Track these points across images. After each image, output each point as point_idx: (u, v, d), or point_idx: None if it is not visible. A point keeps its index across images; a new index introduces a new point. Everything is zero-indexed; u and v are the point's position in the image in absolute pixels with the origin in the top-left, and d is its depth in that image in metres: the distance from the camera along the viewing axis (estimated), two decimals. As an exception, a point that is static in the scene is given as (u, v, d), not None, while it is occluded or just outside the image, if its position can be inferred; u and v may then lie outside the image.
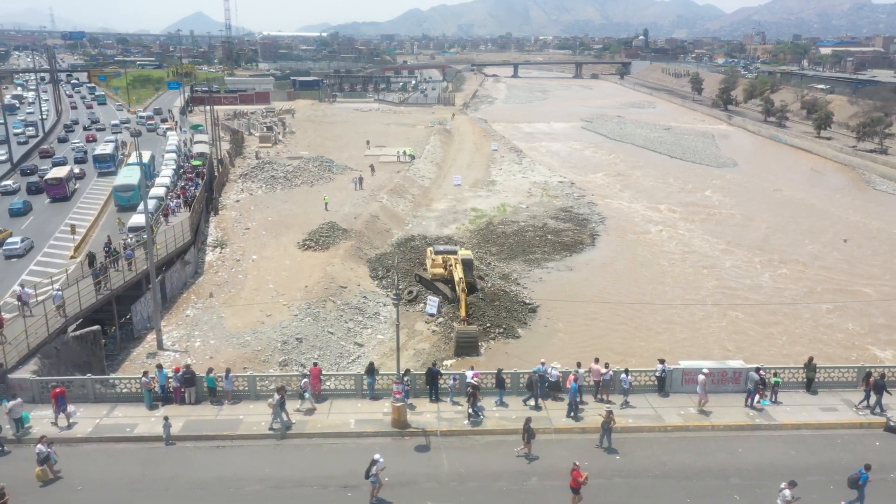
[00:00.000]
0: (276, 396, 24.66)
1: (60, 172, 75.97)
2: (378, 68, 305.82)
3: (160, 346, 39.08)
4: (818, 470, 22.20)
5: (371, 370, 27.27)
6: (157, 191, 68.12)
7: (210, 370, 27.02)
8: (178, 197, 61.82)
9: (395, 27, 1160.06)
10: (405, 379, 25.84)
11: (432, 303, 47.33)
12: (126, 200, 67.87)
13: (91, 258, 41.66)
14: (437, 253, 50.95)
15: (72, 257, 53.72)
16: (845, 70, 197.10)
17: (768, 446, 23.71)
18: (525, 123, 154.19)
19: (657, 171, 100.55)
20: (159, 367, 27.19)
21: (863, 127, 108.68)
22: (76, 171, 79.49)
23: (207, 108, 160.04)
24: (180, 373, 26.36)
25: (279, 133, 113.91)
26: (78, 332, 33.05)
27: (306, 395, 26.62)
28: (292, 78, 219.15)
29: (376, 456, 20.79)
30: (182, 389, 26.23)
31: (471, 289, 49.39)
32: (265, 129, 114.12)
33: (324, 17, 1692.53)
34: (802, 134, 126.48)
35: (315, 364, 27.86)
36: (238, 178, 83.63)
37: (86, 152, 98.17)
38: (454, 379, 27.42)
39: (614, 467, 22.66)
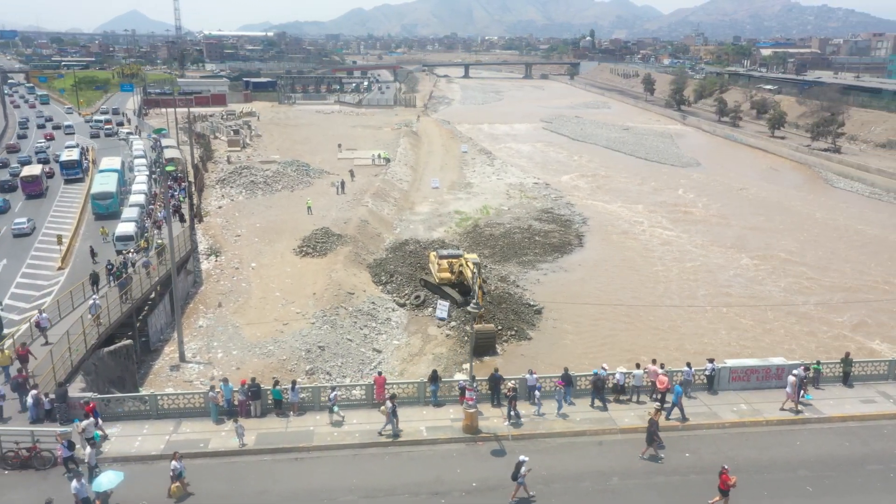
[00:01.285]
0: (389, 404, 25.00)
1: (35, 170, 74.93)
2: (329, 69, 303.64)
3: (182, 358, 38.65)
4: (875, 459, 23.71)
5: (434, 377, 27.70)
6: (136, 198, 66.80)
7: (276, 382, 27.03)
8: (166, 206, 60.49)
9: (338, 27, 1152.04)
10: (475, 385, 26.39)
11: (443, 307, 47.65)
12: (104, 209, 66.49)
13: (94, 278, 40.32)
14: (441, 257, 51.38)
15: (59, 268, 52.47)
16: (787, 71, 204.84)
17: (822, 439, 25.18)
18: (487, 124, 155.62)
19: (626, 171, 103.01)
20: (225, 380, 27.03)
21: (817, 127, 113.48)
22: (46, 169, 78.25)
23: (164, 110, 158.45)
24: (246, 386, 26.30)
25: (246, 136, 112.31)
26: (112, 347, 32.49)
27: (335, 408, 26.75)
28: (245, 79, 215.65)
29: (522, 457, 21.43)
30: (248, 402, 26.17)
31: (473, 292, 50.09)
32: (232, 132, 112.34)
33: (264, 17, 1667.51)
34: (757, 133, 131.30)
35: (379, 373, 28.13)
36: (216, 183, 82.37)
37: (46, 151, 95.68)
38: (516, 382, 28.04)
39: (687, 465, 23.73)
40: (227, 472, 22.73)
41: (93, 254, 53.88)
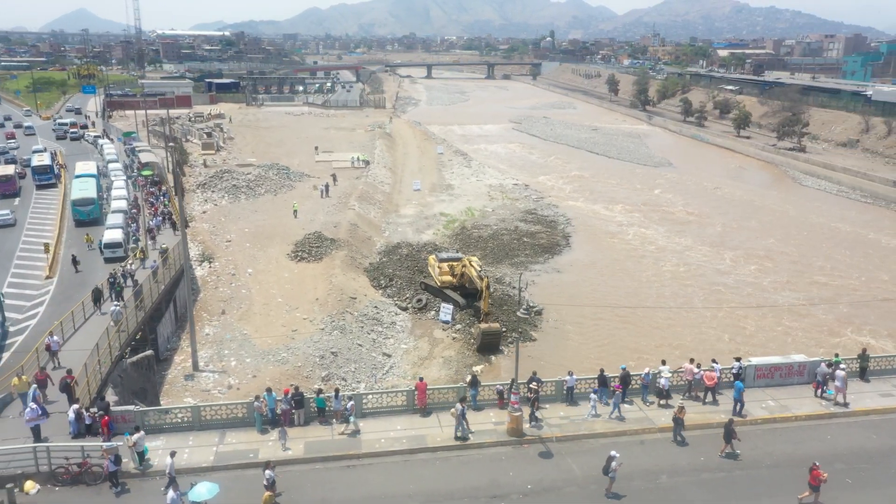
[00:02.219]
0: (459, 407, 25.25)
1: (9, 170, 73.68)
2: (290, 69, 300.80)
3: (196, 367, 38.32)
4: (905, 451, 24.96)
5: (475, 382, 28.07)
6: (118, 204, 65.65)
7: (319, 391, 27.07)
8: (157, 215, 59.73)
9: (294, 26, 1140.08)
10: (529, 388, 26.86)
11: (446, 310, 48.17)
12: (86, 215, 65.16)
13: (97, 295, 39.43)
14: (441, 261, 51.72)
15: (47, 277, 51.37)
16: (745, 72, 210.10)
17: (850, 432, 26.33)
18: (457, 126, 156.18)
19: (601, 171, 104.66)
20: (268, 390, 26.93)
21: (782, 126, 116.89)
22: (18, 170, 77.57)
23: (127, 112, 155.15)
24: (290, 395, 26.30)
25: (219, 139, 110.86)
26: (134, 359, 32.07)
27: (352, 418, 26.71)
28: (207, 80, 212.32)
29: (613, 452, 21.98)
30: (291, 411, 26.18)
31: (477, 295, 50.58)
32: (205, 135, 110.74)
33: (218, 16, 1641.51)
34: (723, 133, 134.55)
35: (421, 379, 28.36)
36: (196, 188, 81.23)
37: (9, 151, 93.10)
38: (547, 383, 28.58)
39: (729, 461, 24.54)
40: (282, 481, 22.73)
41: (75, 262, 52.89)
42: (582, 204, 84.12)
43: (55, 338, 32.39)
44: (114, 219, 60.63)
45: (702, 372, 28.77)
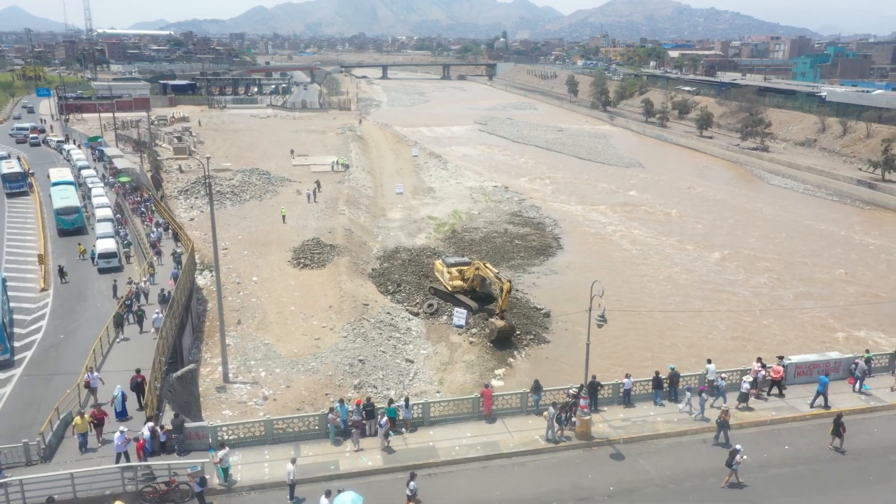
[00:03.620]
0: (552, 410, 25.75)
1: None
2: (244, 70, 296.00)
3: (226, 378, 38.00)
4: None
5: (537, 387, 28.68)
6: (104, 212, 64.23)
7: (391, 401, 27.32)
8: (159, 225, 58.63)
9: (239, 25, 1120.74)
10: (568, 394, 27.60)
11: (459, 315, 48.66)
12: (70, 224, 63.87)
13: (118, 320, 38.06)
14: (450, 266, 52.16)
15: (42, 289, 50.17)
16: (698, 73, 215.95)
17: (893, 425, 27.89)
18: (424, 127, 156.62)
19: (575, 172, 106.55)
20: (341, 401, 27.03)
21: (745, 127, 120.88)
22: None
23: (84, 116, 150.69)
24: (361, 406, 26.47)
25: (190, 144, 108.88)
26: (179, 373, 31.75)
27: (390, 434, 26.63)
28: (162, 82, 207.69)
29: (738, 446, 22.88)
30: (363, 422, 26.36)
31: (489, 299, 51.33)
32: (175, 139, 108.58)
33: (159, 14, 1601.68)
34: (686, 133, 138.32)
35: (486, 386, 28.85)
36: (179, 194, 79.86)
37: None
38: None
39: (791, 457, 25.77)
40: (369, 492, 22.96)
41: (62, 273, 51.80)
42: (564, 205, 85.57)
43: (96, 374, 30.34)
44: (103, 228, 59.31)
45: (763, 372, 30.02)
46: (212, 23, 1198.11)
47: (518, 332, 47.09)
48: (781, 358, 31.16)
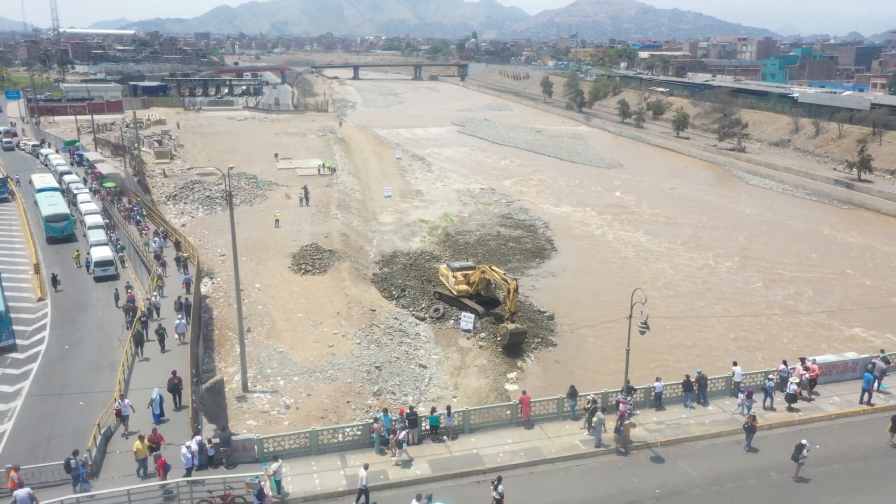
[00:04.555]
0: (601, 415, 26.15)
1: None
2: (213, 70, 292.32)
3: (245, 388, 37.86)
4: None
5: (573, 393, 29.16)
6: (94, 219, 63.40)
7: (433, 409, 27.55)
8: (158, 234, 58.00)
9: (203, 25, 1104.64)
10: (629, 398, 28.21)
11: (467, 319, 49.05)
12: (59, 232, 63.11)
13: (139, 339, 37.42)
14: (455, 270, 52.50)
15: (39, 299, 49.47)
16: (669, 73, 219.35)
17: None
18: (403, 129, 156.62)
19: (558, 173, 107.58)
20: (384, 411, 27.22)
21: (723, 128, 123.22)
22: None
23: (58, 118, 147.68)
24: (404, 415, 26.68)
25: (171, 147, 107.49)
26: (208, 384, 31.59)
27: (405, 445, 26.81)
28: (132, 83, 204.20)
29: (804, 441, 23.58)
30: (407, 431, 26.56)
31: (494, 303, 51.82)
32: (156, 143, 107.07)
33: (120, 13, 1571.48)
34: (662, 134, 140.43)
35: (524, 392, 29.24)
36: (167, 199, 78.90)
37: None
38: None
39: (823, 456, 26.68)
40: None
41: (55, 282, 51.16)
42: (552, 207, 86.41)
43: (126, 401, 29.22)
44: (96, 235, 58.65)
45: (807, 375, 30.94)
46: (175, 22, 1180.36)
47: (526, 337, 47.56)
48: (804, 360, 32.14)
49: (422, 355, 45.06)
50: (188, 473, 23.87)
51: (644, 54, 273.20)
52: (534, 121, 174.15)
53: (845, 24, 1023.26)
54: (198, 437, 24.78)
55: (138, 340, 36.42)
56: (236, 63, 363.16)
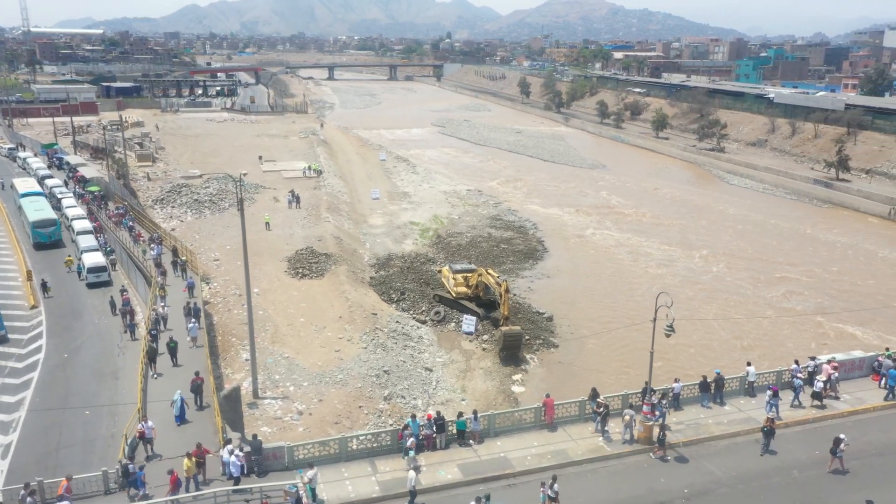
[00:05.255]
0: (630, 412, 26.51)
1: None
2: (186, 71, 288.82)
3: (256, 394, 37.66)
4: None
5: (595, 395, 29.53)
6: (83, 224, 62.63)
7: (460, 414, 27.71)
8: (154, 241, 57.42)
9: (172, 24, 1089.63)
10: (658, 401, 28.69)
11: (469, 322, 49.28)
12: (47, 237, 62.42)
13: (152, 354, 36.90)
14: (456, 272, 52.78)
15: (32, 307, 48.80)
16: (643, 74, 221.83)
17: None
18: (384, 130, 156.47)
19: (543, 174, 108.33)
20: (413, 416, 27.33)
21: (702, 128, 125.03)
22: None
23: (31, 120, 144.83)
24: (432, 420, 26.83)
25: (153, 150, 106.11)
26: (225, 392, 31.40)
27: (411, 452, 26.77)
28: (105, 84, 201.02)
29: (842, 435, 24.14)
30: (434, 436, 26.73)
31: (494, 305, 52.07)
32: (137, 145, 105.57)
33: (85, 12, 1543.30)
34: (642, 135, 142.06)
35: (547, 395, 29.51)
36: (154, 203, 77.97)
37: None
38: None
39: (848, 452, 27.37)
40: (455, 504, 23.48)
41: (45, 288, 50.57)
42: (540, 208, 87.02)
43: (149, 423, 28.29)
44: (87, 240, 57.98)
45: (836, 374, 31.72)
46: (143, 21, 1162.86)
47: (528, 337, 47.92)
48: (814, 358, 32.95)
49: (426, 358, 45.20)
50: (237, 482, 23.80)
51: (618, 55, 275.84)
52: (513, 121, 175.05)
53: (809, 24, 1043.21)
54: (229, 447, 24.69)
55: (151, 356, 35.85)
56: (209, 63, 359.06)
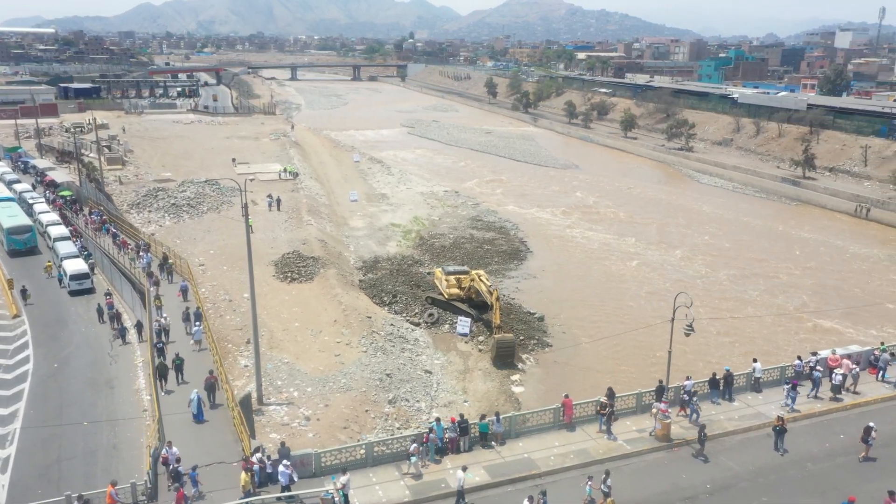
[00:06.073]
0: (659, 405, 26.96)
1: None
2: (144, 71, 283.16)
3: (260, 400, 37.34)
4: None
5: (611, 394, 30.00)
6: (59, 230, 61.45)
7: (483, 416, 27.89)
8: (140, 248, 56.47)
9: (125, 23, 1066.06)
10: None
11: (464, 323, 49.54)
12: (23, 244, 61.44)
13: (163, 371, 35.95)
14: (448, 274, 53.01)
15: (14, 315, 47.77)
16: (607, 74, 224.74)
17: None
18: (354, 131, 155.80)
19: (516, 174, 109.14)
20: (437, 420, 27.44)
21: (671, 128, 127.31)
22: None
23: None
24: (456, 423, 26.99)
25: (122, 153, 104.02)
26: (239, 398, 31.14)
27: (414, 458, 26.77)
28: (63, 85, 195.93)
29: (871, 423, 24.86)
30: (458, 438, 26.91)
31: (487, 307, 52.40)
32: (105, 148, 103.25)
33: (34, 10, 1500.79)
34: (610, 134, 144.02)
35: (566, 396, 29.86)
36: (130, 208, 76.49)
37: None
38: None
39: (848, 445, 28.25)
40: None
41: (25, 295, 49.65)
42: (518, 209, 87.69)
43: (174, 450, 26.57)
44: (67, 247, 56.99)
45: (857, 369, 32.65)
46: (94, 20, 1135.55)
47: (522, 338, 48.38)
48: (815, 353, 34.02)
49: (424, 361, 45.30)
50: (286, 489, 23.69)
51: (581, 55, 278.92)
52: (481, 122, 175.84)
53: (761, 25, 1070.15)
54: (258, 455, 24.54)
55: (162, 373, 35.16)
56: (167, 63, 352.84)
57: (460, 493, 23.10)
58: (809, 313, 54.07)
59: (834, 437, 29.02)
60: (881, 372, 33.62)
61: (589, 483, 23.68)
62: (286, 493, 23.39)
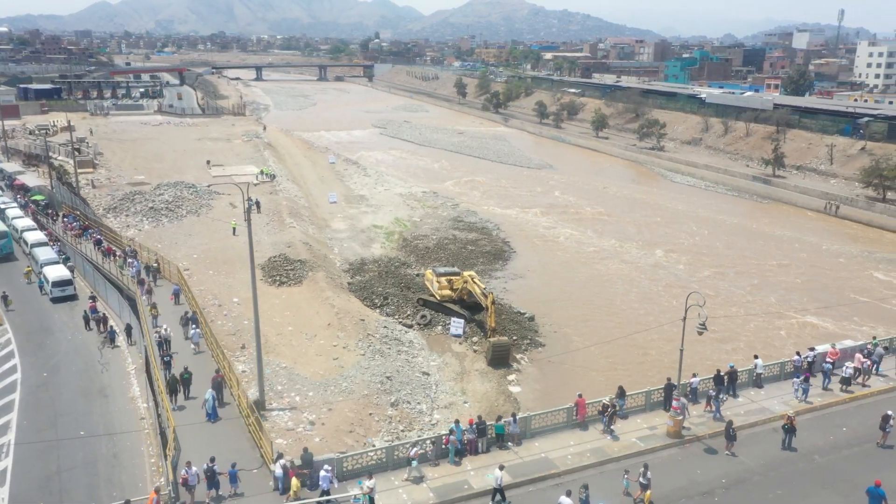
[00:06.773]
0: (683, 400, 27.42)
1: None
2: (105, 72, 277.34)
3: (262, 406, 37.03)
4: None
5: (622, 393, 30.45)
6: (36, 235, 60.36)
7: (499, 417, 28.08)
8: (127, 255, 55.51)
9: (81, 22, 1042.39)
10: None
11: (457, 324, 49.74)
12: None
13: (173, 386, 35.15)
14: (440, 275, 53.14)
15: None
16: (575, 74, 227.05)
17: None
18: (325, 132, 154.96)
19: (492, 175, 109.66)
20: (457, 422, 27.54)
21: (642, 128, 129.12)
22: None
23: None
24: (474, 424, 27.17)
25: (92, 156, 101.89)
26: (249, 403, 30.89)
27: (414, 463, 26.76)
28: (22, 86, 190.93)
29: (890, 412, 25.52)
30: (476, 440, 27.09)
31: (479, 307, 52.68)
32: (76, 151, 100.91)
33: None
34: (582, 134, 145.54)
35: (580, 395, 30.20)
36: (107, 212, 75.04)
37: None
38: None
39: (851, 438, 29.10)
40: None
41: (6, 301, 48.77)
42: (498, 209, 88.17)
43: (193, 469, 25.78)
44: (46, 253, 56.07)
45: (868, 362, 33.55)
46: (49, 18, 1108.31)
47: (515, 338, 48.76)
48: (813, 349, 34.99)
49: (421, 363, 45.40)
50: (325, 493, 23.63)
51: (547, 55, 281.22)
52: (453, 122, 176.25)
53: (720, 26, 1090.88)
54: (281, 461, 24.42)
55: (172, 387, 34.56)
56: (128, 63, 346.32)
57: (499, 491, 23.35)
58: (790, 309, 55.41)
59: (837, 430, 29.93)
60: (875, 365, 34.76)
61: (626, 476, 24.13)
62: (325, 498, 23.36)
